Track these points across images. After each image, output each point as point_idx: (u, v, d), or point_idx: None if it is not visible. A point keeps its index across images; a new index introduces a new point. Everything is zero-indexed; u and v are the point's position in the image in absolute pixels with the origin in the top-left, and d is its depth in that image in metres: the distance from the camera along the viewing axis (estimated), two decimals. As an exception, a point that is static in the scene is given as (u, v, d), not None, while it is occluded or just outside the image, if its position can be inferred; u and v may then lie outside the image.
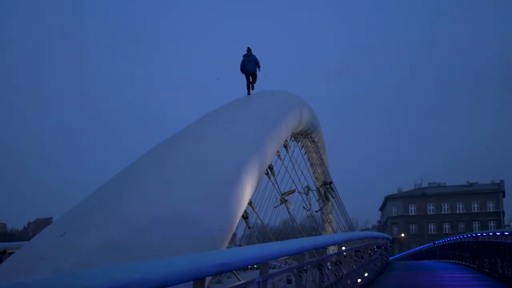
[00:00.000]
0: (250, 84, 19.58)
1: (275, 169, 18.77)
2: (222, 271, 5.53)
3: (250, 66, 19.10)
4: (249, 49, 19.21)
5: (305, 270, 9.26)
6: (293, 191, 23.92)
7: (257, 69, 19.31)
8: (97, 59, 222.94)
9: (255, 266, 7.76)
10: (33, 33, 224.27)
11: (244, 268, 34.03)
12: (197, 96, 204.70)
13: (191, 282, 5.19)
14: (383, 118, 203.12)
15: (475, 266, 23.70)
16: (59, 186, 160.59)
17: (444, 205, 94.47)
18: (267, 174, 17.22)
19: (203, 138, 13.07)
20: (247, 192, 12.49)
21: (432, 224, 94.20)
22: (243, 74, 19.47)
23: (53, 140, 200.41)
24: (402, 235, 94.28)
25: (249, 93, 19.68)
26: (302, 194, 27.74)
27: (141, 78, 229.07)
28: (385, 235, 33.25)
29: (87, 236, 7.91)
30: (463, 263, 27.53)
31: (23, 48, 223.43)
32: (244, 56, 19.26)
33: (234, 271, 11.66)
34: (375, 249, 21.88)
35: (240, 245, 20.26)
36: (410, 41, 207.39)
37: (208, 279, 5.68)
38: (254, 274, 6.93)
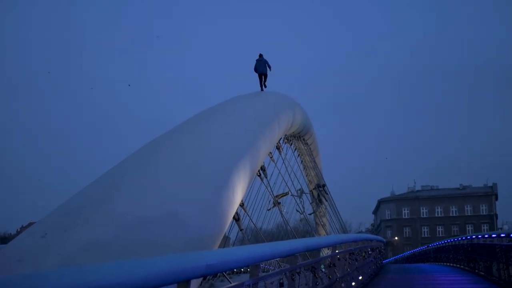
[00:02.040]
0: (262, 82, 23.17)
1: (268, 171, 18.49)
2: (208, 274, 5.16)
3: (261, 68, 23.06)
4: (260, 55, 23.10)
5: (298, 273, 8.95)
6: (286, 194, 23.74)
7: (268, 69, 23.22)
8: (92, 58, 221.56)
9: (248, 269, 7.43)
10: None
11: (237, 272, 33.76)
12: (197, 97, 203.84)
13: (175, 286, 4.84)
14: (377, 122, 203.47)
15: (470, 269, 23.46)
16: (55, 188, 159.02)
17: (438, 208, 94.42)
18: (259, 175, 16.95)
19: (194, 136, 12.74)
20: (238, 193, 12.15)
21: (425, 227, 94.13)
22: (257, 74, 23.20)
23: (48, 140, 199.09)
24: (396, 238, 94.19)
25: (262, 90, 23.12)
26: (295, 197, 27.53)
27: (140, 78, 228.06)
28: (379, 237, 32.97)
29: (70, 236, 7.55)
30: (458, 266, 27.28)
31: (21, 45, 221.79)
32: (257, 60, 23.08)
33: (224, 273, 11.36)
34: (369, 252, 21.60)
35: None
36: (405, 44, 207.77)
37: (194, 282, 5.33)
38: (247, 278, 6.60)
